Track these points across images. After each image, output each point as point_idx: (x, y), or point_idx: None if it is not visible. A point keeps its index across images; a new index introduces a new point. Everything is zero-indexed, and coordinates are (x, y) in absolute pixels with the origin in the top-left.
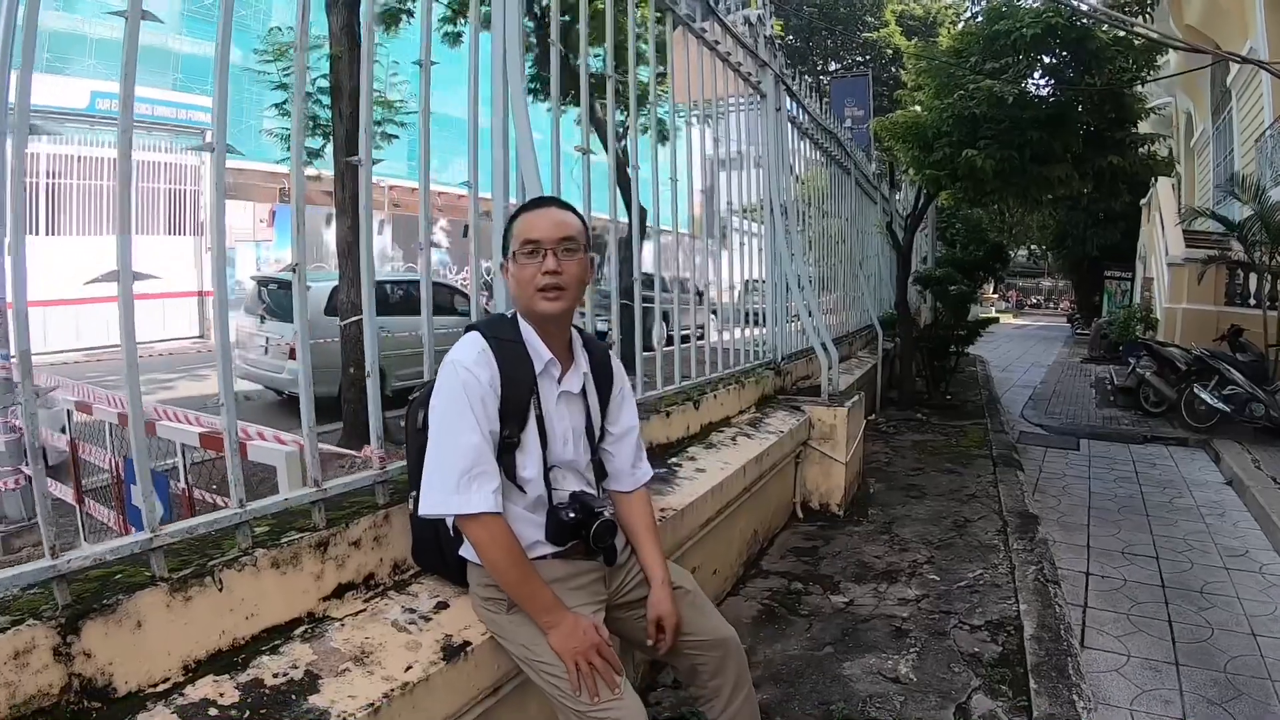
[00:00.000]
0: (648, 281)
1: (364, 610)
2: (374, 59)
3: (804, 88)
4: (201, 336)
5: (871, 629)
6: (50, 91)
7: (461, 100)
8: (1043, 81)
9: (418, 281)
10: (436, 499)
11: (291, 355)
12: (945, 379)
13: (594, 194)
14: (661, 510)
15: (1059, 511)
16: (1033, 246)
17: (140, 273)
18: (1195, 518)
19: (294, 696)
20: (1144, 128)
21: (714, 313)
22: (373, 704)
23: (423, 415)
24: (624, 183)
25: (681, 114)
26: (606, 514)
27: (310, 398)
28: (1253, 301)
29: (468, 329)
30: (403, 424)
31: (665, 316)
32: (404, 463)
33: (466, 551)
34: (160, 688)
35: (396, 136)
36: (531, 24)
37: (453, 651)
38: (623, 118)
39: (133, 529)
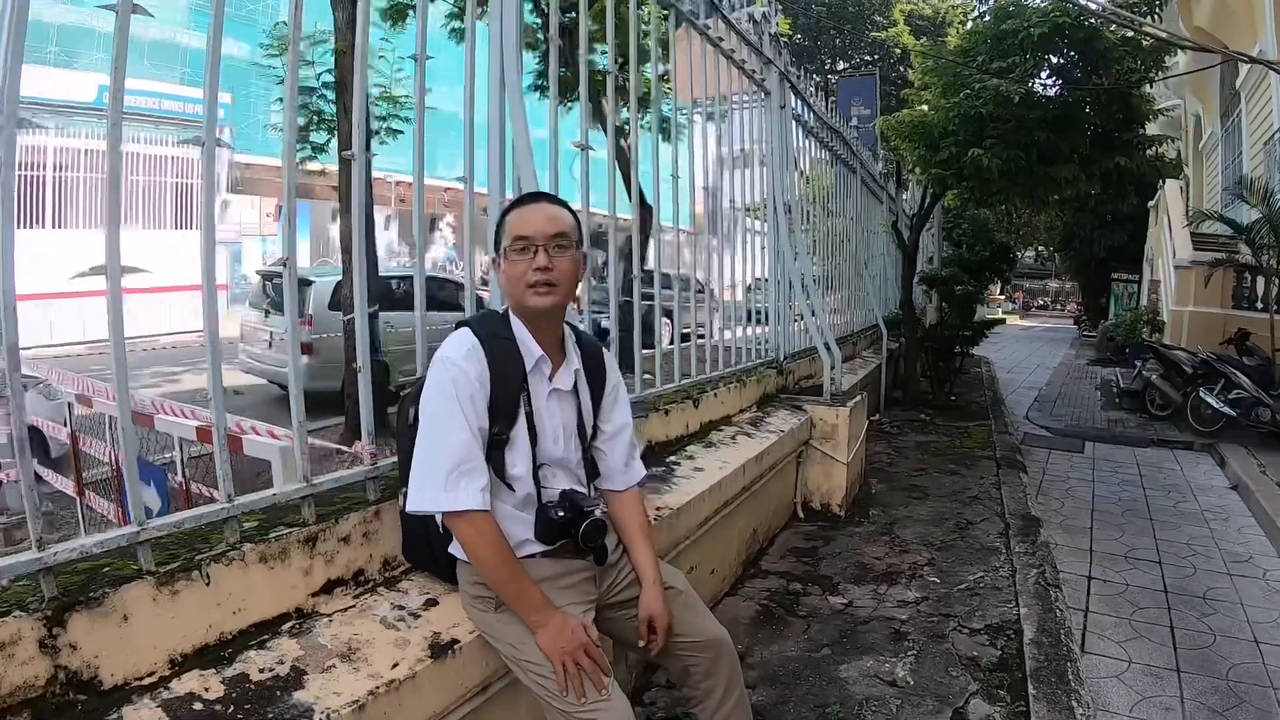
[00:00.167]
0: (650, 279)
1: (353, 606)
2: (366, 53)
3: (811, 87)
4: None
5: (870, 631)
6: (58, 85)
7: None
8: (1050, 81)
9: (428, 277)
10: (424, 496)
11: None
12: (950, 380)
13: (597, 190)
14: (658, 509)
15: (1062, 514)
16: (1040, 248)
17: (129, 266)
18: (1199, 522)
19: (279, 692)
20: (1152, 130)
21: (715, 311)
22: (357, 701)
23: (414, 411)
24: (628, 180)
25: (684, 111)
26: (597, 513)
27: (300, 392)
28: (1260, 305)
29: (458, 324)
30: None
31: (667, 314)
32: (396, 459)
33: (456, 549)
34: (146, 681)
35: (401, 132)
36: (539, 21)
37: (440, 649)
38: (627, 115)
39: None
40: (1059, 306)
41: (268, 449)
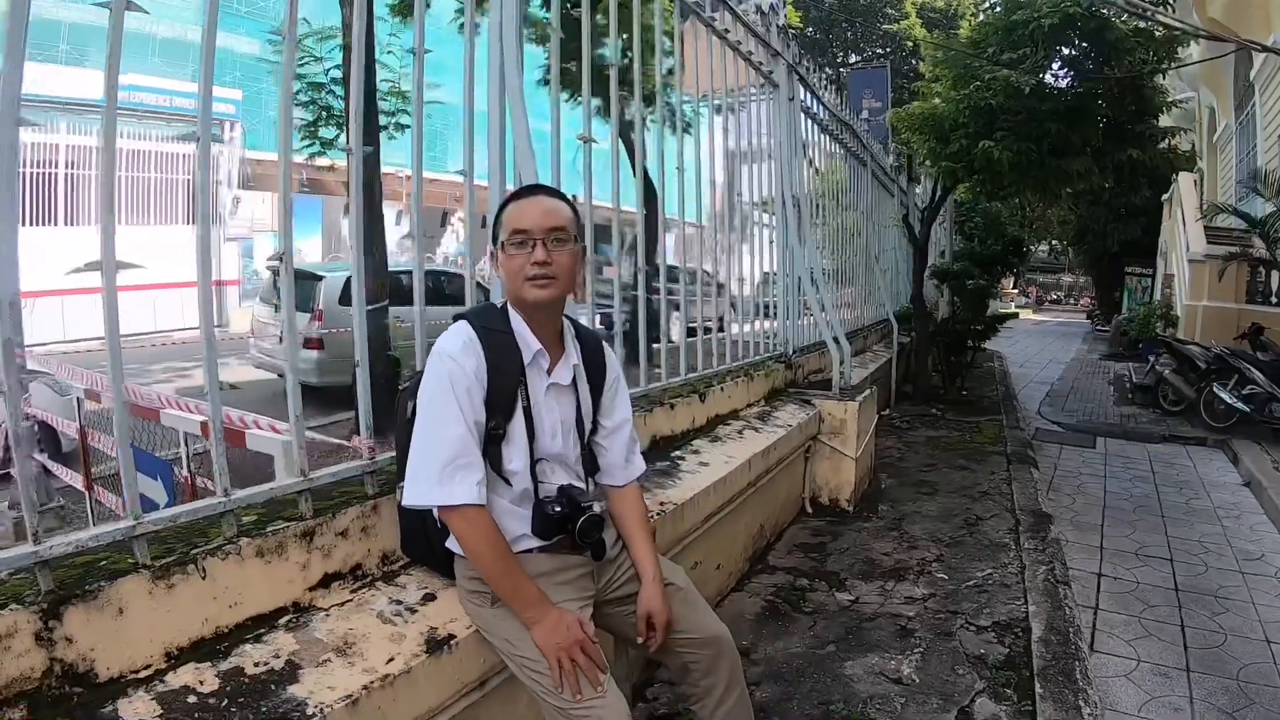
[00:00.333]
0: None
1: (350, 601)
2: (364, 48)
3: (821, 80)
4: (221, 325)
5: (876, 628)
6: (69, 83)
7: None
8: (1061, 73)
9: (435, 271)
10: (419, 490)
11: (306, 345)
12: (961, 374)
13: (602, 185)
14: (661, 504)
15: (1073, 511)
16: (1053, 242)
17: (125, 262)
18: (1212, 519)
19: (273, 686)
20: (1166, 122)
21: (724, 304)
22: (351, 695)
23: (411, 405)
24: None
25: (689, 102)
26: (595, 509)
27: (297, 386)
28: (1274, 299)
29: (456, 318)
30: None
31: (676, 307)
32: (394, 453)
33: (453, 544)
34: (142, 674)
35: (410, 126)
36: (548, 14)
37: (436, 644)
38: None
39: None
40: (1072, 301)
41: (270, 443)
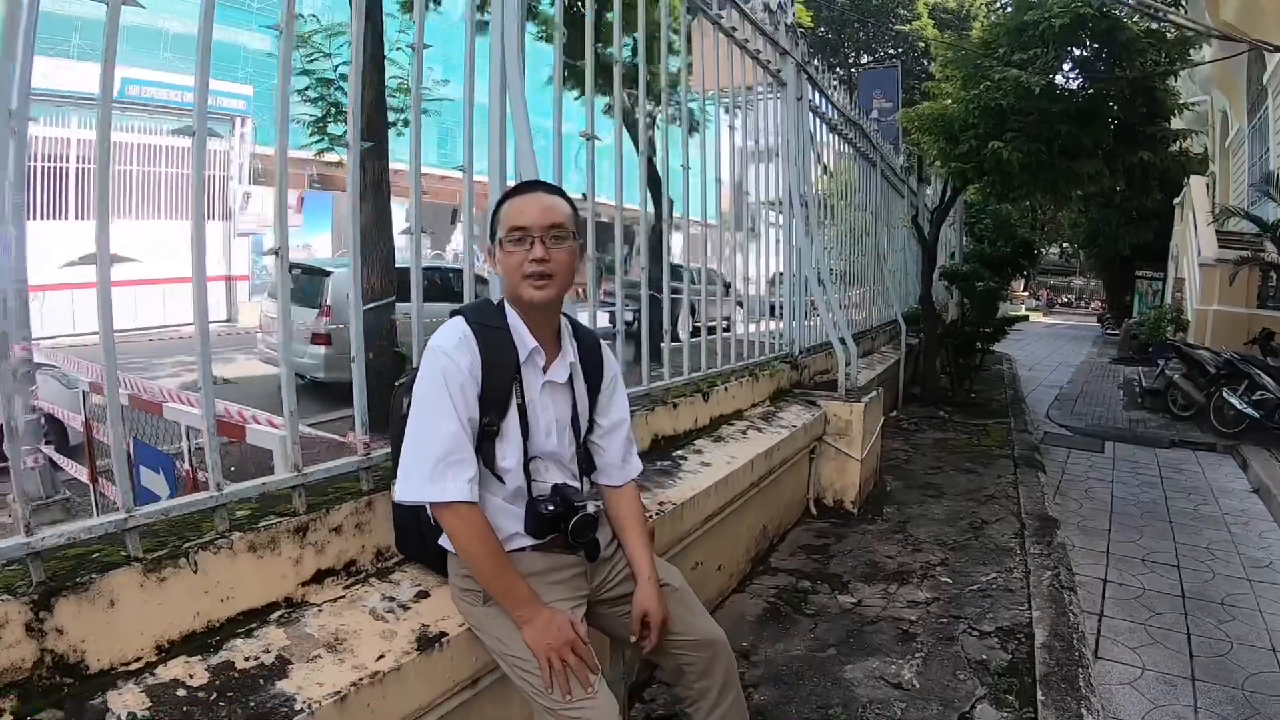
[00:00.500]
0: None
1: (343, 597)
2: (363, 43)
3: (832, 79)
4: (230, 320)
5: (878, 631)
6: (81, 78)
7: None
8: (1073, 74)
9: (443, 268)
10: (411, 486)
11: (314, 340)
12: (970, 376)
13: (604, 182)
14: (660, 503)
15: (1080, 515)
16: (1064, 244)
17: (119, 256)
18: (1220, 526)
19: (262, 681)
20: (1178, 125)
21: (739, 305)
22: (339, 692)
23: (407, 401)
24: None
25: (694, 100)
26: (589, 508)
27: (291, 381)
28: None
29: (452, 313)
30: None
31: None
32: (389, 449)
33: (446, 541)
34: (133, 666)
35: None
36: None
37: (427, 642)
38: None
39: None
40: (1083, 304)
41: (270, 438)
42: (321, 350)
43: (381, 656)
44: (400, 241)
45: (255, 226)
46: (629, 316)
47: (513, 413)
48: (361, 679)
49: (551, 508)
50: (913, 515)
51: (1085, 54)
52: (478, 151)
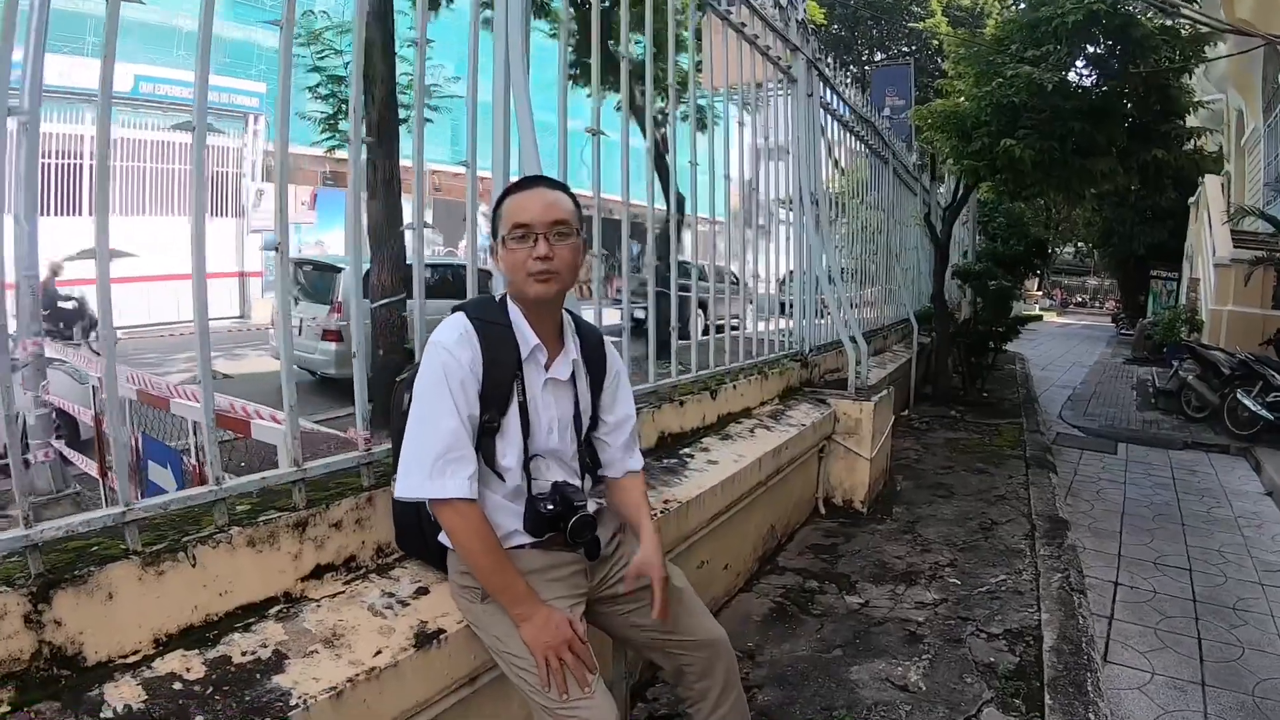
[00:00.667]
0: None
1: (342, 592)
2: (363, 40)
3: (844, 77)
4: (243, 316)
5: (884, 633)
6: (94, 75)
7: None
8: (1086, 71)
9: (455, 266)
10: (410, 483)
11: (325, 337)
12: (982, 376)
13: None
14: (665, 502)
15: (1091, 517)
16: (1079, 244)
17: (118, 250)
18: (1232, 529)
19: (259, 675)
20: (1193, 123)
21: (749, 302)
22: (335, 687)
23: (408, 397)
24: (660, 170)
25: (704, 97)
26: (589, 507)
27: (291, 375)
28: None
29: (454, 309)
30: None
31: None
32: (390, 445)
33: (445, 537)
34: (130, 659)
35: (431, 120)
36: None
37: (425, 638)
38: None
39: None
40: (1097, 304)
41: (275, 433)
42: (333, 346)
43: (379, 653)
44: (409, 237)
45: (268, 223)
46: (639, 314)
47: (513, 410)
48: (358, 675)
49: (551, 506)
50: (922, 515)
51: (1099, 51)
52: (482, 149)
